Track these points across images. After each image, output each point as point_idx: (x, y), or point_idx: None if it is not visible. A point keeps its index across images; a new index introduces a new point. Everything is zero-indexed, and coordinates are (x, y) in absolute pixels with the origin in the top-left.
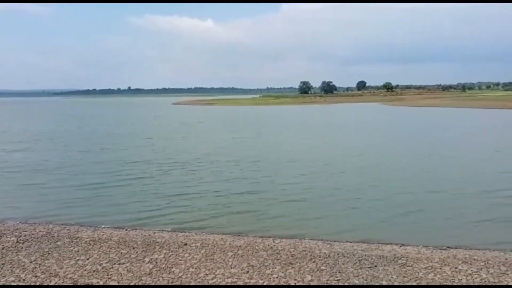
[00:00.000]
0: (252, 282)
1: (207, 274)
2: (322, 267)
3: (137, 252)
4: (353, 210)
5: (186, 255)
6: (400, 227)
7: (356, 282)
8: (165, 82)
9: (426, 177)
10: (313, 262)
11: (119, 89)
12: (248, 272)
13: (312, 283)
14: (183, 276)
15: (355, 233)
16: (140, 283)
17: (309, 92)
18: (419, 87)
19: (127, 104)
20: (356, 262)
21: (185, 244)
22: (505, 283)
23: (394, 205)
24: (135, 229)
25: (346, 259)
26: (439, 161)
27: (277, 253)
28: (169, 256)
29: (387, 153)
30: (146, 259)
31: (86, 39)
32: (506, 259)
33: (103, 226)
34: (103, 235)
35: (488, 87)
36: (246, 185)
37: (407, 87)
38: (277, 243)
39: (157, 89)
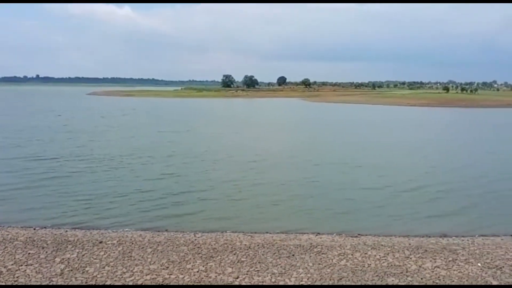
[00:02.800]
0: (172, 277)
1: (124, 272)
2: (242, 259)
3: (46, 252)
4: (274, 202)
5: (102, 253)
6: (316, 217)
7: (275, 271)
8: (78, 70)
9: (342, 171)
10: (234, 254)
11: (25, 77)
12: (168, 267)
13: (232, 275)
14: (98, 275)
15: (275, 224)
16: (51, 284)
17: (232, 85)
18: (335, 84)
19: (36, 94)
20: (275, 252)
21: (101, 242)
22: (409, 266)
23: (312, 197)
24: (45, 228)
25: (266, 250)
26: (359, 157)
27: (198, 247)
28: (83, 255)
29: (312, 149)
30: (57, 259)
31: None
32: (409, 244)
33: (8, 226)
34: (8, 235)
35: (395, 85)
36: (171, 182)
37: (324, 83)
38: (198, 237)
39: (69, 78)
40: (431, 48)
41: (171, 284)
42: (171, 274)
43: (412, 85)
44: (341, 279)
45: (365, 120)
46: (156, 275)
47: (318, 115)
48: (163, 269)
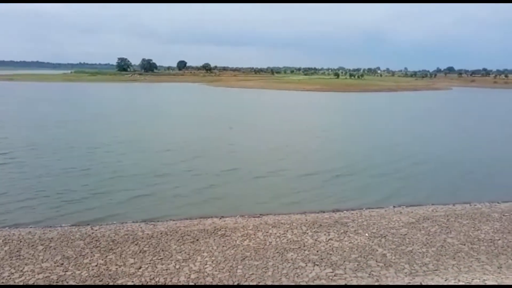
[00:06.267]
0: (68, 274)
1: (12, 273)
2: (145, 248)
3: None
4: (178, 190)
5: None
6: (220, 201)
7: (179, 257)
8: None
9: (240, 157)
10: (136, 244)
11: None
12: (62, 264)
13: (135, 266)
14: None
15: (179, 211)
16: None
17: (128, 69)
18: (235, 69)
19: None
20: (179, 239)
21: None
22: (306, 240)
23: (212, 183)
24: None
25: (169, 237)
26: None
27: (96, 240)
28: None
29: (221, 137)
30: None
31: None
32: (306, 220)
33: None
34: None
35: (292, 71)
36: (64, 176)
37: (224, 68)
38: (96, 230)
39: None
40: (323, 36)
41: (67, 281)
42: (66, 271)
43: (307, 71)
44: (244, 258)
45: (266, 106)
46: (50, 273)
47: (224, 100)
48: (57, 266)
